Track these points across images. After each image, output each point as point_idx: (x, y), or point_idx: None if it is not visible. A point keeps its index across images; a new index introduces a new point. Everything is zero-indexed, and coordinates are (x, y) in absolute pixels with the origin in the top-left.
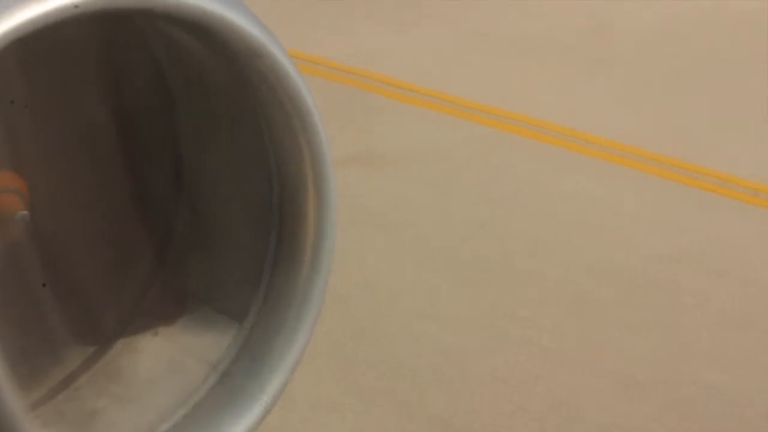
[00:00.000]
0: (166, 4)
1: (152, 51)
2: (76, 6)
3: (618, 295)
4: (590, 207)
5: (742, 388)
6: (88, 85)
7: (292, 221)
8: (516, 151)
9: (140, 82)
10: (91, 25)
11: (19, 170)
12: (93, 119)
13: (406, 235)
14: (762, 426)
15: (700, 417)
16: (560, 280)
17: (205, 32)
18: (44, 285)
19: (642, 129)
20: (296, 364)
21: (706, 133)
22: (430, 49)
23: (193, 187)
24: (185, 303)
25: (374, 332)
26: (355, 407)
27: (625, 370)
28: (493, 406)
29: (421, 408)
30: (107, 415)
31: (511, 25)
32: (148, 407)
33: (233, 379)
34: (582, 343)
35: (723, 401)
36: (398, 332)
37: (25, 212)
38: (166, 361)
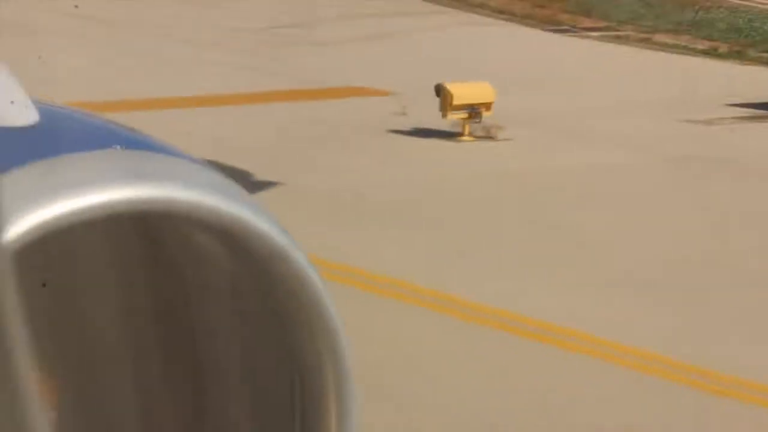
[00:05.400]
0: (183, 205)
1: (166, 251)
2: (99, 207)
3: None
4: None
5: None
6: (98, 288)
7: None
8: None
9: (152, 283)
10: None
11: (44, 371)
12: (105, 322)
13: None
14: None
15: None
16: None
17: (224, 234)
18: None
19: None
20: None
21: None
22: None
23: (211, 396)
24: None
25: None
26: None
27: None
28: None
29: None
30: None
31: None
32: None
33: None
34: None
35: None
36: None
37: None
38: None
